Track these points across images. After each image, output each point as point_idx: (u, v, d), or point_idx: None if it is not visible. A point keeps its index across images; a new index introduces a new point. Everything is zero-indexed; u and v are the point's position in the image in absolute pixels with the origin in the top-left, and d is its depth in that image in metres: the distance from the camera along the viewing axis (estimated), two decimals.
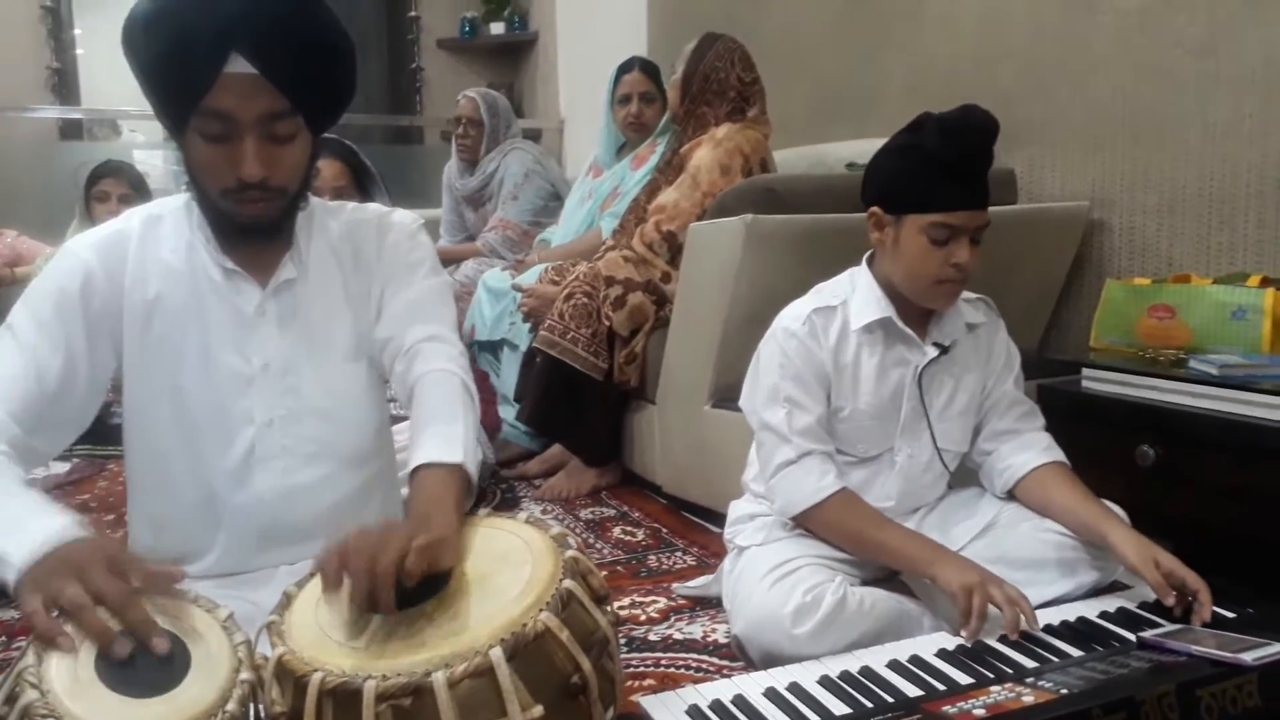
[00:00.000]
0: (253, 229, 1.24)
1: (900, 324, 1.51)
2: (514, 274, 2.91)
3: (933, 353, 1.52)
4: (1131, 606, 1.40)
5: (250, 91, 1.15)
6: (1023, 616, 1.29)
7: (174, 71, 1.15)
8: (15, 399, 1.16)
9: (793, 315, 1.54)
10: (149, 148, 4.67)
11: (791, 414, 1.49)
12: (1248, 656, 1.14)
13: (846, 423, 1.53)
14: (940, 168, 1.42)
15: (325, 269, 1.33)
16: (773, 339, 1.54)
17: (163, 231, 1.29)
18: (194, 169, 1.22)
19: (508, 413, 2.74)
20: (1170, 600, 1.32)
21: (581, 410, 2.42)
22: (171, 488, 1.30)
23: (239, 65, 1.13)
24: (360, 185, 2.43)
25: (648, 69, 2.92)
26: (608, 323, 2.35)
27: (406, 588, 0.99)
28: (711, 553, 1.99)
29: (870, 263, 1.56)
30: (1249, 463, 1.56)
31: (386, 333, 1.33)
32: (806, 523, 1.49)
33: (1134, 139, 2.23)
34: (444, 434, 1.18)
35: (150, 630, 0.91)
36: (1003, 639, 1.29)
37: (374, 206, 1.42)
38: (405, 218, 1.40)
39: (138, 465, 1.33)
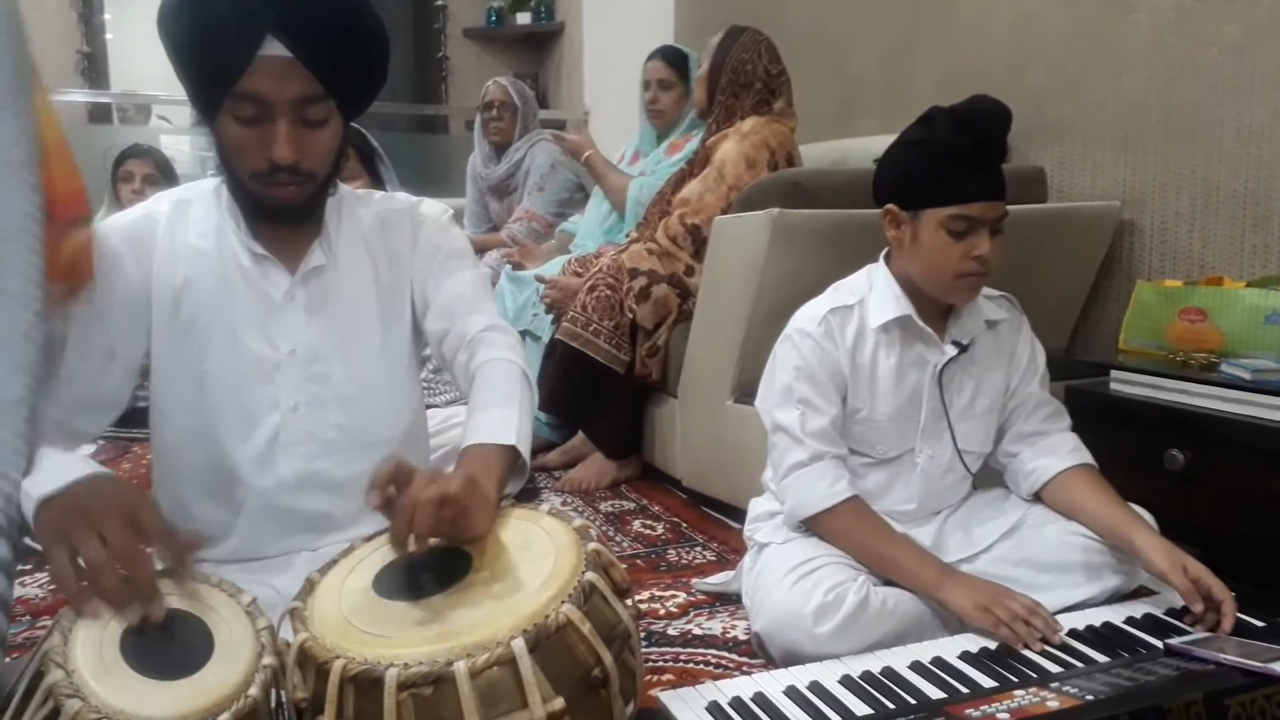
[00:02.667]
0: (282, 213, 1.25)
1: (919, 322, 1.49)
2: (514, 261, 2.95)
3: (952, 351, 1.50)
4: (1159, 613, 1.38)
5: (284, 74, 1.15)
6: (1045, 623, 1.28)
7: (209, 54, 1.15)
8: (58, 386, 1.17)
9: (808, 315, 1.52)
10: (176, 133, 4.70)
11: (805, 415, 1.47)
12: (1278, 666, 1.12)
13: (865, 424, 1.51)
14: (954, 159, 1.41)
15: (355, 257, 1.33)
16: (788, 339, 1.53)
17: (192, 215, 1.30)
18: (226, 151, 1.22)
19: None
20: (1199, 607, 1.30)
21: (602, 402, 2.42)
22: (196, 471, 1.31)
23: (274, 48, 1.14)
24: (367, 165, 2.44)
25: (669, 56, 2.92)
26: (631, 315, 2.34)
27: (431, 568, 0.99)
28: (731, 548, 1.98)
29: (887, 259, 1.54)
30: (1279, 469, 1.54)
31: (443, 324, 1.34)
32: (815, 528, 1.48)
33: (1167, 138, 2.20)
34: (501, 416, 1.20)
35: (153, 595, 0.92)
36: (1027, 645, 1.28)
37: (403, 196, 1.43)
38: (435, 209, 1.41)
39: (163, 448, 1.34)
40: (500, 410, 1.21)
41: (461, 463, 1.15)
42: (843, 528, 1.45)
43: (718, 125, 2.49)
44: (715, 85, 2.49)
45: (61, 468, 0.98)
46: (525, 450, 1.19)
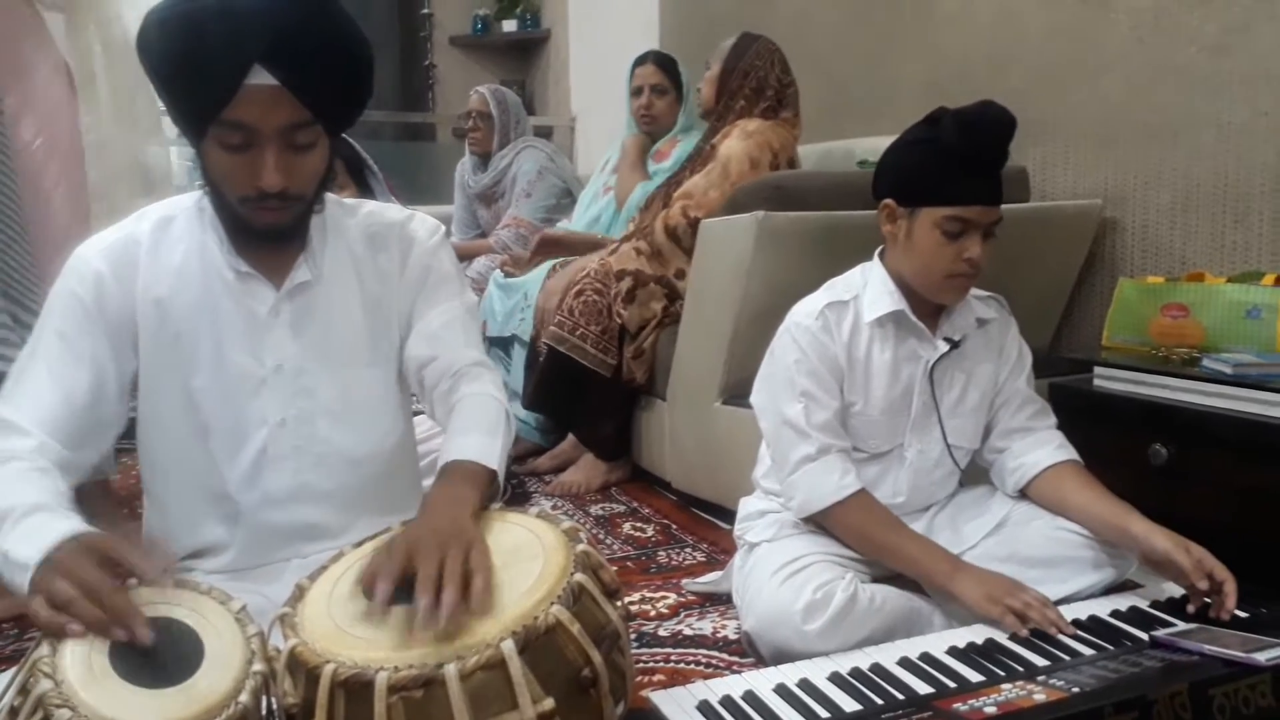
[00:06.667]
0: (269, 235, 1.24)
1: (913, 317, 1.51)
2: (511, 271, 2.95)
3: (944, 347, 1.52)
4: (1144, 605, 1.39)
5: (271, 103, 1.13)
6: (1056, 619, 1.30)
7: (194, 82, 1.13)
8: (49, 420, 1.16)
9: (806, 310, 1.53)
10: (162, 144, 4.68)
11: (809, 409, 1.48)
12: (1261, 656, 1.13)
13: (858, 418, 1.53)
14: (957, 162, 1.42)
15: (341, 272, 1.32)
16: (786, 333, 1.54)
17: (174, 233, 1.28)
18: (211, 176, 1.21)
19: (517, 409, 2.75)
20: (1204, 584, 1.31)
21: (590, 406, 2.43)
22: (185, 486, 1.30)
23: (260, 76, 1.12)
24: (355, 175, 2.44)
25: (661, 61, 2.90)
26: (619, 320, 2.35)
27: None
28: (721, 549, 1.99)
29: (882, 257, 1.56)
30: (1262, 462, 1.55)
31: (428, 351, 1.33)
32: (824, 521, 1.49)
33: (1148, 137, 2.22)
34: (484, 441, 1.19)
35: (134, 620, 0.92)
36: (1013, 637, 1.29)
37: (394, 210, 1.41)
38: (426, 228, 1.38)
39: (151, 463, 1.33)
40: (483, 436, 1.20)
41: (439, 483, 1.14)
42: (853, 521, 1.46)
43: (721, 125, 2.50)
44: (725, 89, 2.50)
45: (48, 529, 1.00)
46: (501, 478, 1.19)
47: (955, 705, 1.07)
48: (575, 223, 3.08)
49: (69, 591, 0.92)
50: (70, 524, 1.02)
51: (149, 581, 0.99)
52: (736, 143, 2.37)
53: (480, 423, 1.23)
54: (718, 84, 2.51)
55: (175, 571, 1.04)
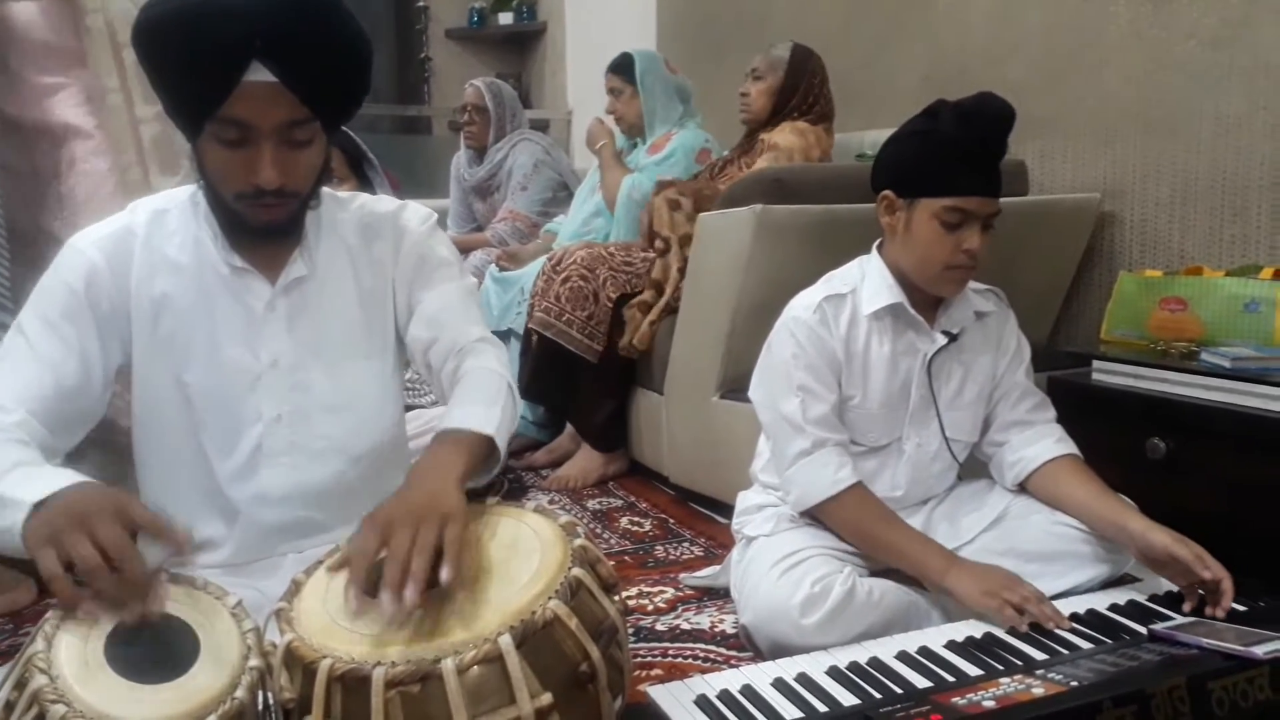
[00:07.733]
0: (265, 232, 1.23)
1: (911, 310, 1.50)
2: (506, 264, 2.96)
3: (942, 340, 1.51)
4: (1142, 599, 1.39)
5: (269, 100, 1.12)
6: (1054, 612, 1.30)
7: (190, 78, 1.12)
8: (35, 401, 1.15)
9: (804, 304, 1.53)
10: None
11: (805, 403, 1.48)
12: (1259, 650, 1.13)
13: (856, 411, 1.52)
14: (956, 153, 1.42)
15: (337, 266, 1.31)
16: (784, 328, 1.53)
17: (169, 226, 1.27)
18: (208, 172, 1.20)
19: None
20: (1208, 574, 1.31)
21: (580, 392, 2.46)
22: (180, 482, 1.29)
23: (259, 73, 1.11)
24: (354, 168, 2.44)
25: (614, 66, 2.96)
26: (610, 303, 2.36)
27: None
28: (719, 543, 1.99)
29: (880, 250, 1.55)
30: (1260, 456, 1.55)
31: (430, 333, 1.32)
32: (820, 515, 1.48)
33: (1146, 131, 2.22)
34: (481, 411, 1.17)
35: (148, 589, 0.92)
36: (1011, 631, 1.29)
37: (386, 201, 1.40)
38: (418, 214, 1.38)
39: (146, 460, 1.32)
40: (479, 407, 1.18)
41: (431, 448, 1.13)
42: (849, 516, 1.46)
43: (770, 128, 2.53)
44: (786, 103, 2.54)
45: (48, 477, 1.00)
46: (502, 444, 1.17)
47: (953, 699, 1.06)
48: (572, 216, 3.08)
49: (92, 559, 0.90)
50: (72, 475, 1.01)
51: (168, 561, 0.99)
52: (794, 138, 2.42)
53: (478, 395, 1.21)
54: (777, 97, 2.54)
55: (189, 572, 1.03)
